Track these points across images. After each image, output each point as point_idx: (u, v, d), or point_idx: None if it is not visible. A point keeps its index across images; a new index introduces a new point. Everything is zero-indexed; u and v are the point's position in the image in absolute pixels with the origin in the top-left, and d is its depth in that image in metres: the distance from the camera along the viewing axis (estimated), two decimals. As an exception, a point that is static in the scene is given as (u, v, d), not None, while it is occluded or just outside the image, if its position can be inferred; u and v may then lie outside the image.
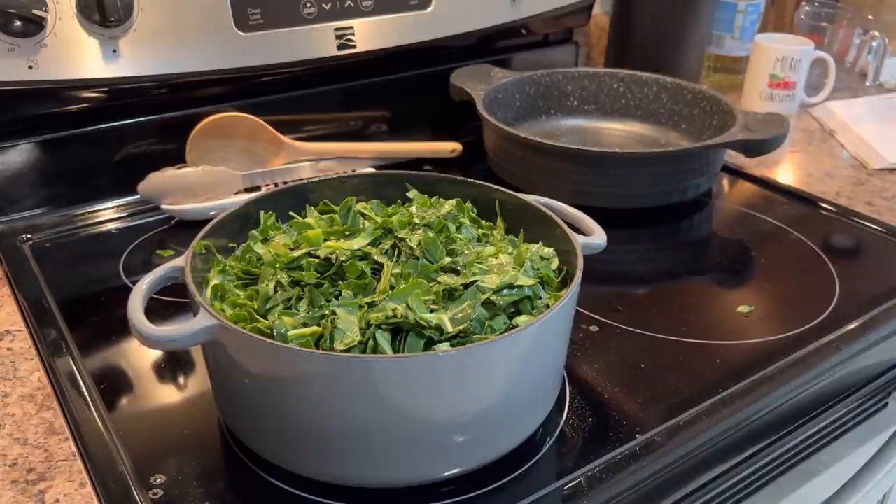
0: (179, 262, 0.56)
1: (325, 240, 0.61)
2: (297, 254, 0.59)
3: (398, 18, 1.04)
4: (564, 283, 0.61)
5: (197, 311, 0.51)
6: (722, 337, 0.72)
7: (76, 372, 0.64)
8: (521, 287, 0.56)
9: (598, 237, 0.64)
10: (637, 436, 0.59)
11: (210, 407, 0.61)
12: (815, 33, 1.39)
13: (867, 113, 1.26)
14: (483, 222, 0.68)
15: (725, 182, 1.05)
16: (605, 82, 1.14)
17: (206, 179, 0.90)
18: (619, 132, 1.13)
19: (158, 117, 0.94)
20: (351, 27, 1.00)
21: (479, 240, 0.64)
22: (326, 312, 0.53)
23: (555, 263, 0.61)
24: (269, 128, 0.96)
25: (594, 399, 0.64)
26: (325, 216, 0.67)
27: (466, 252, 0.61)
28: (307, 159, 0.98)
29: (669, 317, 0.75)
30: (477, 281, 0.56)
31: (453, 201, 0.67)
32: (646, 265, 0.87)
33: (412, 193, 0.70)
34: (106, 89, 0.88)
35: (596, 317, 0.74)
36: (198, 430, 0.60)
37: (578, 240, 0.61)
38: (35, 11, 0.79)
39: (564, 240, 0.62)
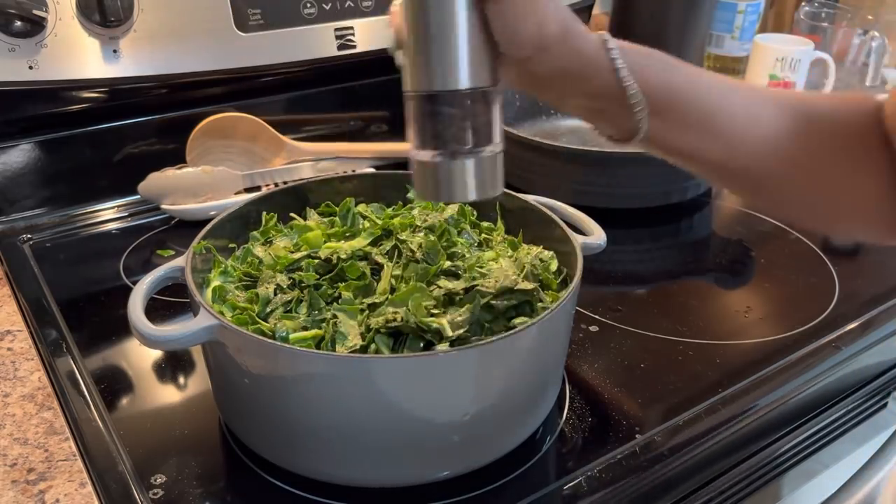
0: (179, 262, 0.56)
1: (325, 241, 0.61)
2: (297, 256, 0.59)
3: (398, 18, 1.03)
4: (564, 284, 0.61)
5: (197, 311, 0.51)
6: (722, 337, 0.72)
7: (76, 372, 0.64)
8: (521, 291, 0.56)
9: (597, 237, 0.64)
10: (637, 436, 0.59)
11: (210, 407, 0.61)
12: (815, 33, 1.39)
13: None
14: (483, 224, 0.68)
15: (725, 182, 1.05)
16: (605, 82, 1.14)
17: (206, 179, 0.90)
18: (619, 132, 1.13)
19: (158, 117, 0.94)
20: (351, 27, 1.00)
21: (479, 245, 0.64)
22: (327, 316, 0.53)
23: (554, 265, 0.61)
24: (269, 128, 0.96)
25: (594, 399, 0.64)
26: (325, 218, 0.67)
27: (467, 255, 0.61)
28: (307, 159, 0.98)
29: (669, 317, 0.75)
30: (477, 285, 0.56)
31: (455, 206, 0.67)
32: (646, 265, 0.87)
33: (413, 194, 0.70)
34: (106, 89, 0.88)
35: (596, 317, 0.74)
36: (198, 430, 0.60)
37: (578, 240, 0.61)
38: (35, 12, 0.79)
39: (564, 240, 0.62)
